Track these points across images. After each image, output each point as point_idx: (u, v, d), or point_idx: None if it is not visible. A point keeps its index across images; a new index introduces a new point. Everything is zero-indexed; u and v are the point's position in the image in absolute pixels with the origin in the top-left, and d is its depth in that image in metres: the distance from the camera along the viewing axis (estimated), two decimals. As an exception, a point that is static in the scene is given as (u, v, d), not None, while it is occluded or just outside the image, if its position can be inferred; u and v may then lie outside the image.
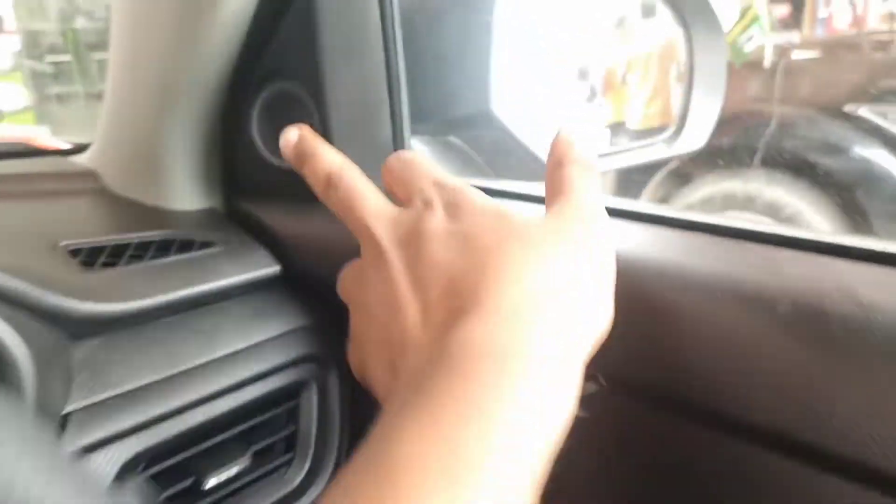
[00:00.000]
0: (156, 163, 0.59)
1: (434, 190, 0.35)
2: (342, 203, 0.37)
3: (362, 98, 0.51)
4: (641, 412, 0.38)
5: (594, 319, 0.30)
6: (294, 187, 0.55)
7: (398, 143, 0.55)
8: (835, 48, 2.67)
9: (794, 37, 3.33)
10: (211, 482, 0.46)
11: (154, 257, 0.52)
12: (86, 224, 0.57)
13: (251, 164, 0.56)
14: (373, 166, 0.53)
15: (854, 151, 2.30)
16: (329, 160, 0.39)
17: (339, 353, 0.54)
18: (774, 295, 0.32)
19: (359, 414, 0.55)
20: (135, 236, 0.54)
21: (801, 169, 2.17)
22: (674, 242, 0.40)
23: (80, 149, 0.73)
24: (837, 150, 2.32)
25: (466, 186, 0.35)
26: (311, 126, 0.51)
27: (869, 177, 2.30)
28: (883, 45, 2.57)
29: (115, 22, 0.56)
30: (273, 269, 0.54)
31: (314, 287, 0.54)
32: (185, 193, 0.60)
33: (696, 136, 0.71)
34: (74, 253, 0.51)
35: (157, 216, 0.59)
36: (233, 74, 0.53)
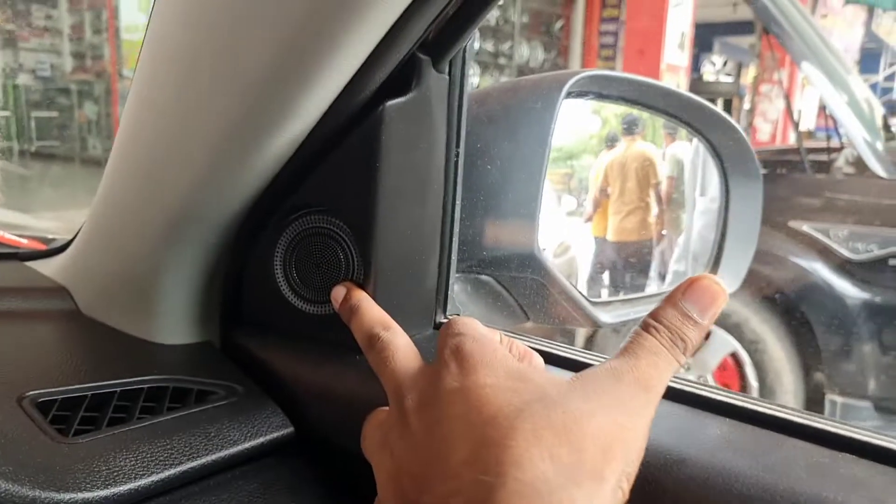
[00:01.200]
0: (147, 290, 0.51)
1: (459, 341, 0.34)
2: (378, 358, 0.38)
3: (413, 242, 0.45)
4: None
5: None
6: (314, 331, 0.48)
7: (441, 296, 0.49)
8: (774, 164, 2.79)
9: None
10: None
11: (143, 412, 0.44)
12: (56, 364, 0.47)
13: (267, 300, 0.49)
14: (410, 319, 0.47)
15: (797, 264, 2.40)
16: (371, 317, 0.41)
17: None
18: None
19: None
20: (118, 383, 0.45)
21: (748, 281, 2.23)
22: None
23: (47, 253, 0.63)
24: (781, 261, 2.41)
25: (493, 343, 0.34)
26: (350, 264, 0.44)
27: (812, 288, 2.40)
28: (819, 165, 2.71)
29: (131, 112, 0.47)
30: (286, 430, 0.46)
31: (333, 456, 0.46)
32: (178, 326, 0.52)
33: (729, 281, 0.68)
34: (43, 407, 0.41)
35: (143, 352, 0.51)
36: (260, 203, 0.46)
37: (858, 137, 2.58)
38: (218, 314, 0.53)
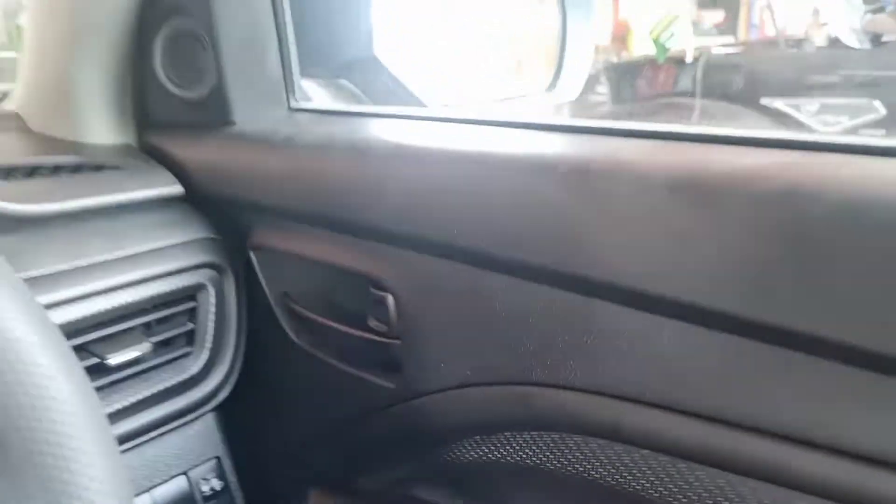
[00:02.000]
0: (71, 100, 0.65)
1: None
2: None
3: (252, 36, 0.59)
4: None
5: None
6: (194, 115, 0.62)
7: (288, 82, 0.63)
8: (754, 46, 2.82)
9: (728, 40, 3.51)
10: (114, 360, 0.52)
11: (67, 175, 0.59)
12: (6, 153, 0.63)
13: (157, 96, 0.63)
14: (265, 103, 0.61)
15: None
16: None
17: (237, 263, 0.61)
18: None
19: (254, 316, 0.62)
20: (50, 160, 0.61)
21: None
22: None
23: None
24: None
25: None
26: (208, 56, 0.59)
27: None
28: (797, 42, 2.73)
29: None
30: (176, 188, 0.61)
31: (216, 207, 0.61)
32: (100, 128, 0.67)
33: (571, 88, 0.81)
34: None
35: (73, 148, 0.66)
36: (136, 12, 0.60)
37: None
38: (133, 119, 0.68)
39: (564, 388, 0.40)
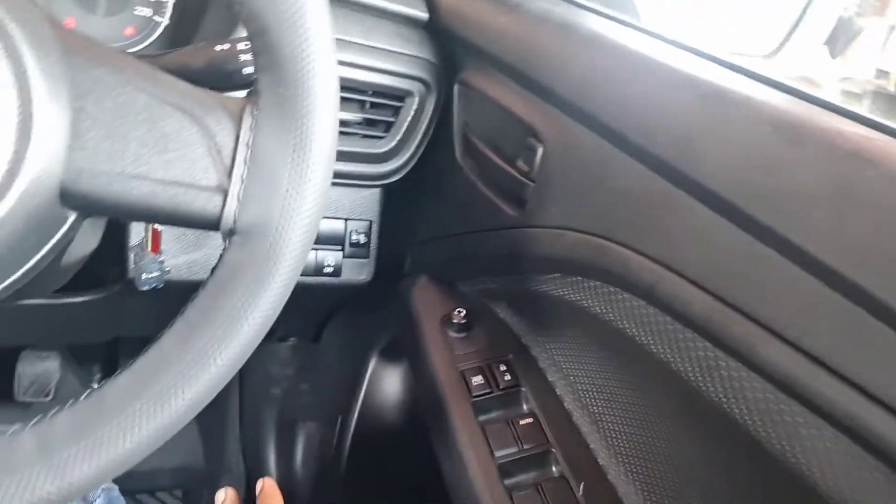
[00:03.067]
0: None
1: None
2: None
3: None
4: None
5: None
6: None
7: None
8: None
9: None
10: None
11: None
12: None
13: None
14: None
15: None
16: None
17: (441, 87, 0.77)
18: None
19: (437, 131, 0.78)
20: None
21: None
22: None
23: None
24: None
25: None
26: None
27: None
28: None
29: None
30: (423, 14, 0.76)
31: (444, 39, 0.76)
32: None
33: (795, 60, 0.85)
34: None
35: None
36: None
37: None
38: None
39: (635, 251, 0.51)
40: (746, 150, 0.45)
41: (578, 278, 0.58)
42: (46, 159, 0.34)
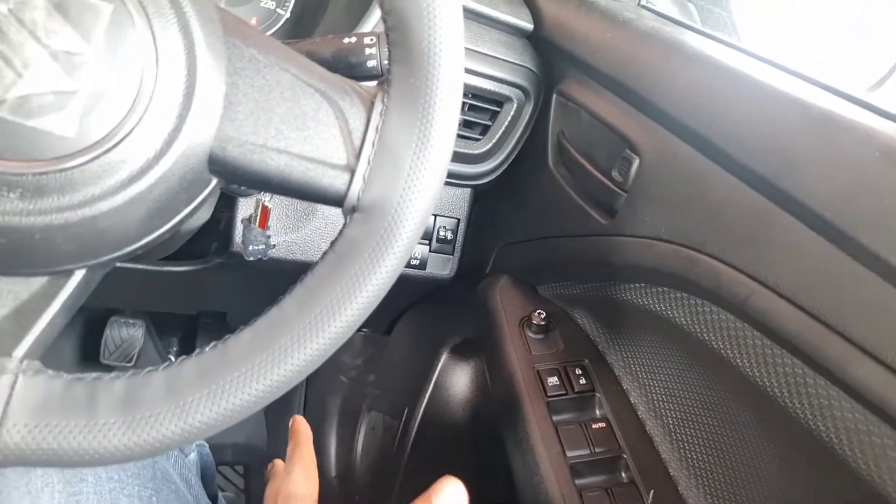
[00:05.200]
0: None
1: None
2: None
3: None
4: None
5: None
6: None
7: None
8: None
9: None
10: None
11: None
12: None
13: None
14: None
15: None
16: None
17: (539, 96, 0.79)
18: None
19: (532, 137, 0.80)
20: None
21: None
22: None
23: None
24: None
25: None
26: None
27: None
28: None
29: None
30: (528, 24, 0.79)
31: (547, 50, 0.78)
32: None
33: None
34: None
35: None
36: None
37: None
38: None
39: (728, 264, 0.52)
40: (853, 174, 0.46)
41: (665, 289, 0.59)
42: (202, 126, 0.38)
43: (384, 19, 0.41)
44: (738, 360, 0.51)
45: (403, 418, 1.01)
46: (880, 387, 0.41)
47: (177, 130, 0.37)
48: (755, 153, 0.52)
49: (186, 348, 1.37)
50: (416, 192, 0.41)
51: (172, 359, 1.34)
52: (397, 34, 0.41)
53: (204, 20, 0.38)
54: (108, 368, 1.30)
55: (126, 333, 1.30)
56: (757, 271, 0.50)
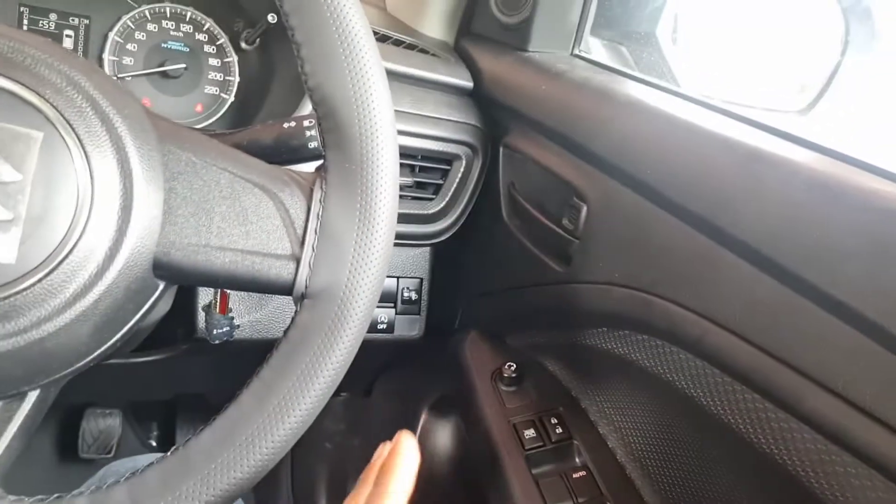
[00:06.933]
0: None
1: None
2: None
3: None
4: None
5: None
6: (500, 36, 0.81)
7: (579, 33, 0.79)
8: None
9: None
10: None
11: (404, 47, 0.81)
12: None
13: (481, 15, 0.83)
14: (556, 43, 0.78)
15: None
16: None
17: (487, 150, 0.81)
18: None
19: (484, 191, 0.81)
20: (396, 35, 0.84)
21: None
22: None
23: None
24: None
25: None
26: None
27: None
28: None
29: None
30: (468, 83, 0.81)
31: (489, 105, 0.80)
32: (433, 25, 0.89)
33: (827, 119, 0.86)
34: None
35: (409, 31, 0.89)
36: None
37: None
38: (456, 25, 0.89)
39: (680, 305, 0.53)
40: (783, 209, 0.47)
41: (626, 332, 0.60)
42: (143, 236, 0.38)
43: (315, 109, 0.42)
44: (703, 399, 0.52)
45: (390, 481, 0.99)
46: (835, 416, 0.42)
47: (117, 244, 0.37)
48: (691, 194, 0.53)
49: (166, 432, 1.34)
50: (363, 274, 0.42)
51: (154, 443, 1.29)
52: (329, 122, 0.42)
53: (136, 132, 0.38)
54: (88, 462, 1.27)
55: (103, 424, 1.28)
56: (707, 310, 0.51)
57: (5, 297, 0.34)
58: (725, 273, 0.50)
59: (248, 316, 0.74)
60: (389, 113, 0.43)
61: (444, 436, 0.94)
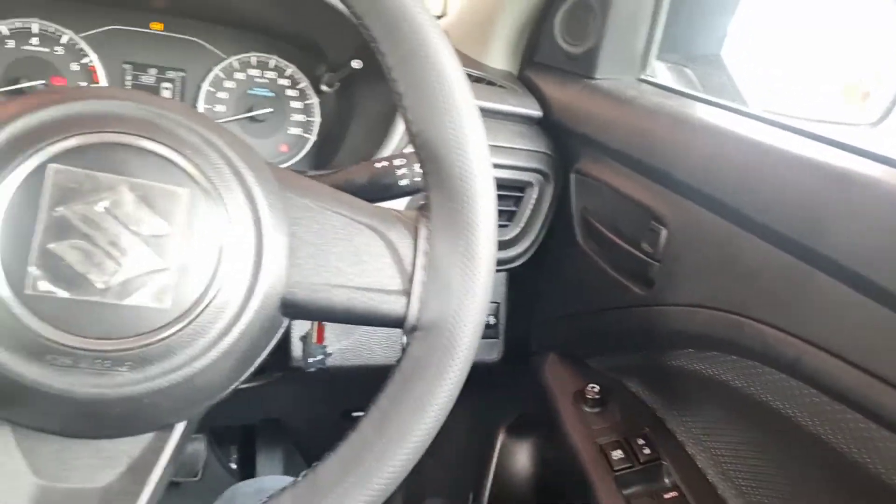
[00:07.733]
0: (485, 31, 0.91)
1: None
2: None
3: (633, 14, 0.78)
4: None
5: None
6: (567, 65, 0.84)
7: (645, 58, 0.81)
8: None
9: None
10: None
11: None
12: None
13: (545, 44, 0.86)
14: (623, 68, 0.80)
15: None
16: None
17: (559, 177, 0.82)
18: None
19: (557, 217, 0.83)
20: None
21: None
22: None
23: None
24: None
25: None
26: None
27: None
28: None
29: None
30: (537, 112, 0.83)
31: (559, 133, 0.82)
32: (496, 56, 0.92)
33: None
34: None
35: (474, 64, 0.92)
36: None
37: None
38: (520, 55, 0.92)
39: (773, 326, 0.54)
40: (878, 231, 0.48)
41: (713, 353, 0.61)
42: (273, 279, 0.41)
43: (417, 152, 0.45)
44: (801, 420, 0.53)
45: (470, 503, 1.01)
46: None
47: (252, 287, 0.40)
48: (780, 216, 0.54)
49: (245, 455, 1.38)
50: (469, 305, 0.44)
51: (234, 466, 1.34)
52: (431, 164, 0.45)
53: (263, 184, 0.42)
54: (177, 485, 1.33)
55: (190, 448, 1.33)
56: (802, 331, 0.51)
57: (163, 339, 0.37)
58: (819, 294, 0.50)
59: (339, 344, 0.77)
60: (486, 153, 0.45)
61: (523, 456, 0.95)
